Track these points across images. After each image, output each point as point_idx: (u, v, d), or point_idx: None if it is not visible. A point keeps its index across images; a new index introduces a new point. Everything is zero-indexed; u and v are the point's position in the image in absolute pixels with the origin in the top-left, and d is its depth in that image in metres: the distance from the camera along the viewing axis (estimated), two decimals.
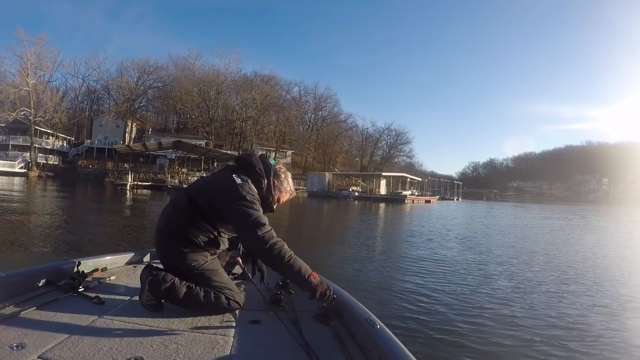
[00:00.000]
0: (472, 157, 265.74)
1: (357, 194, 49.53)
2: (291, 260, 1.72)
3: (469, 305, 4.76)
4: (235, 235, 2.03)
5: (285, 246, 1.75)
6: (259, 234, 1.72)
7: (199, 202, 1.88)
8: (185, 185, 30.79)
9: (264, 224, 1.76)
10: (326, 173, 57.06)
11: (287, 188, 2.14)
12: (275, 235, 1.76)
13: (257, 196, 1.90)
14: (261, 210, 1.86)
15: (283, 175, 2.13)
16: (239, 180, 1.87)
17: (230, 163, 2.20)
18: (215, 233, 1.92)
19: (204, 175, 34.97)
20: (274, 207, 2.09)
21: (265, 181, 2.01)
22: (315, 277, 1.75)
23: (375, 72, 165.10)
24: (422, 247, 9.64)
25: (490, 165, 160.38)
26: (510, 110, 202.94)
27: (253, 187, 1.92)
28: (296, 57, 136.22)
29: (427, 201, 52.97)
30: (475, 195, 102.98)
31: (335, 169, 68.62)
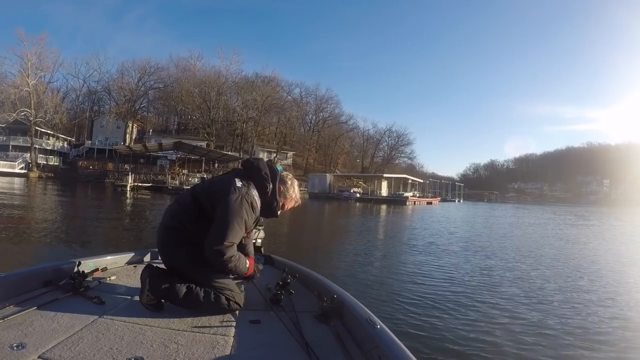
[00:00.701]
0: (473, 159, 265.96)
1: (358, 195, 49.48)
2: (230, 270, 1.85)
3: (472, 308, 4.74)
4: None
5: (232, 263, 1.80)
6: (215, 247, 1.76)
7: (203, 202, 1.89)
8: (186, 187, 30.82)
9: (226, 240, 1.77)
10: (327, 174, 57.04)
11: (293, 195, 2.15)
12: (228, 252, 1.78)
13: (254, 202, 1.90)
14: (247, 219, 1.85)
15: (289, 183, 2.13)
16: (239, 184, 1.87)
17: (238, 166, 2.21)
18: None
19: (205, 176, 35.02)
20: (278, 212, 2.10)
21: (271, 186, 2.01)
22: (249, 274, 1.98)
23: (376, 73, 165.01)
24: (426, 251, 9.62)
25: (491, 166, 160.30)
26: (511, 111, 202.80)
27: (254, 191, 1.92)
28: (297, 58, 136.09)
29: (429, 203, 52.95)
30: (476, 197, 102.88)
31: (337, 170, 68.60)
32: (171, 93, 64.38)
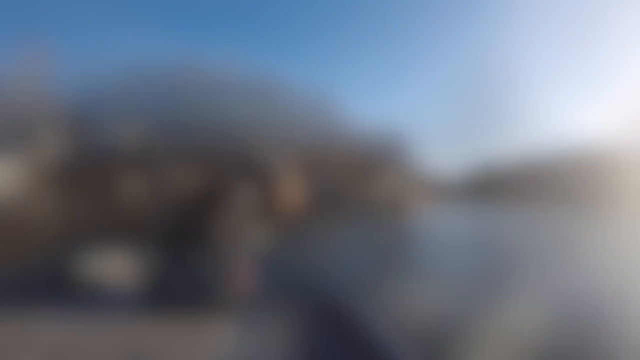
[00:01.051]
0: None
1: (356, 198, 49.48)
2: (220, 260, 1.79)
3: (479, 309, 4.72)
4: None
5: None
6: (207, 231, 1.74)
7: (203, 201, 1.89)
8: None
9: (218, 226, 1.76)
10: (327, 175, 57.09)
11: (292, 194, 2.12)
12: (218, 235, 1.76)
13: (249, 196, 1.89)
14: (239, 209, 1.84)
15: (288, 181, 2.10)
16: (234, 180, 1.87)
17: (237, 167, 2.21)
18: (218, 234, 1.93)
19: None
20: (277, 211, 2.08)
21: (268, 184, 2.00)
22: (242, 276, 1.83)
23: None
24: (429, 254, 9.61)
25: (493, 167, 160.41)
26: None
27: (250, 189, 1.92)
28: (297, 58, 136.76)
29: (428, 207, 52.74)
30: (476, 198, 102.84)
31: (337, 172, 68.66)
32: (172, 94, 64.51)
